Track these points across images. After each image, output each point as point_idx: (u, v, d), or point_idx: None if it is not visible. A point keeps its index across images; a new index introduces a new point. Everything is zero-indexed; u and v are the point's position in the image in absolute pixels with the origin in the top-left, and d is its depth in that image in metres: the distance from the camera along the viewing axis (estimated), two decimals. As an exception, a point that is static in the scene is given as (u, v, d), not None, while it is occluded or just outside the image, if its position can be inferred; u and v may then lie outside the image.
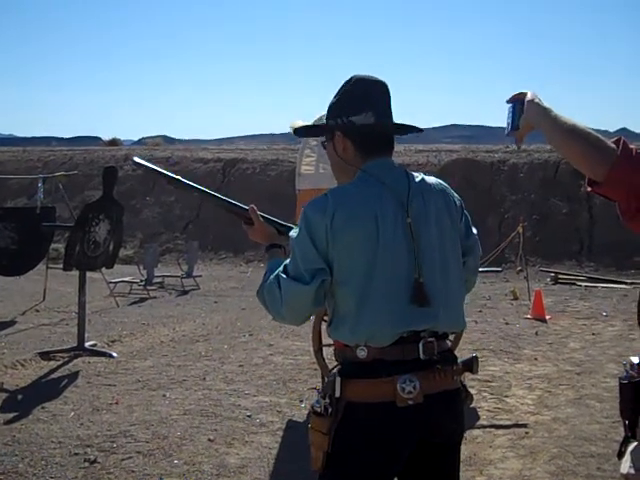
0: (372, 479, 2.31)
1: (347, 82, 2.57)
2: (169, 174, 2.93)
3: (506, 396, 6.20)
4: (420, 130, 2.65)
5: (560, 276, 14.41)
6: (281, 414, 5.81)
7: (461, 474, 4.48)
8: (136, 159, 3.14)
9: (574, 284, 13.80)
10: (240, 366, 7.37)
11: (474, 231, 2.61)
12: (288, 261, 2.38)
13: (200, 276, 14.12)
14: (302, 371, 7.11)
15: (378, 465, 2.28)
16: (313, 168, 6.42)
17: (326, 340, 6.59)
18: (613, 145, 2.04)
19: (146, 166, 3.04)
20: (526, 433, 5.28)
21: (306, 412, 5.89)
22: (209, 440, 5.15)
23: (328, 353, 6.80)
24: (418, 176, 2.50)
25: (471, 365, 2.48)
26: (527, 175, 17.64)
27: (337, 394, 2.29)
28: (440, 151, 20.14)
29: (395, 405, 2.25)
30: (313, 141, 6.47)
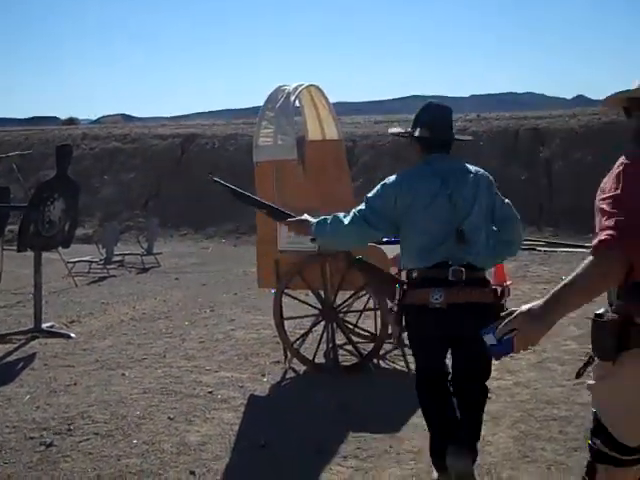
0: (423, 346, 3.90)
1: (423, 106, 4.04)
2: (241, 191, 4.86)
3: (469, 363, 6.19)
4: (469, 139, 4.74)
5: (521, 242, 14.45)
6: (243, 389, 5.73)
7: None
8: (215, 179, 5.00)
9: (534, 249, 13.86)
10: (201, 342, 7.27)
11: (506, 201, 3.97)
12: (363, 206, 3.85)
13: (160, 253, 13.94)
14: (264, 345, 7.03)
15: (422, 338, 3.84)
16: (271, 140, 6.27)
17: (287, 313, 6.55)
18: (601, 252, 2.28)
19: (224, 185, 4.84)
20: (488, 398, 5.26)
21: (268, 386, 5.83)
22: (169, 418, 5.06)
23: (289, 326, 6.75)
24: (460, 164, 3.93)
25: (501, 292, 3.79)
26: (487, 143, 17.66)
27: (402, 299, 3.77)
28: (400, 121, 20.04)
29: (427, 307, 3.63)
30: (271, 112, 6.33)
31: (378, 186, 3.87)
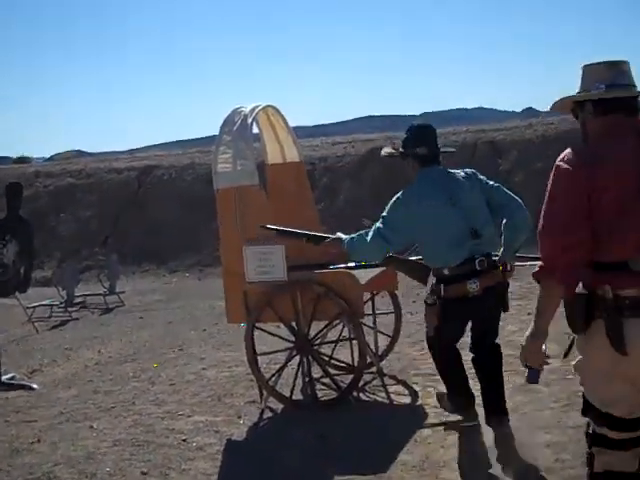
0: (455, 325, 4.67)
1: (410, 126, 4.88)
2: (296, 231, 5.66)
3: (452, 389, 5.95)
4: (452, 151, 5.67)
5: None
6: (219, 434, 5.44)
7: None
8: (261, 225, 5.58)
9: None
10: (171, 385, 6.95)
11: (495, 186, 4.77)
12: (380, 224, 4.64)
13: (124, 292, 13.56)
14: (238, 384, 6.73)
15: (458, 320, 4.65)
16: (230, 165, 6.00)
17: (260, 348, 6.27)
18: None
19: (270, 229, 5.54)
20: (477, 427, 5.03)
21: (245, 429, 5.54)
22: (142, 473, 4.76)
23: (263, 361, 6.48)
24: (452, 172, 4.72)
25: (505, 265, 4.60)
26: (445, 158, 17.59)
27: (442, 294, 4.52)
28: (357, 141, 19.92)
29: (467, 296, 4.47)
30: (228, 136, 6.08)
31: (390, 204, 4.68)
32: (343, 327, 6.45)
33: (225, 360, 7.68)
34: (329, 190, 17.43)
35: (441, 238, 4.52)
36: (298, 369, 5.88)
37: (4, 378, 7.49)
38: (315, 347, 5.99)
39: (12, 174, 21.20)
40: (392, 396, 5.97)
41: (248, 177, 5.91)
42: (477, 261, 4.50)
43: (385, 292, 6.91)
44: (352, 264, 5.89)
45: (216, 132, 6.17)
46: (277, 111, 6.86)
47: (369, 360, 6.12)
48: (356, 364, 5.96)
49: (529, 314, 8.65)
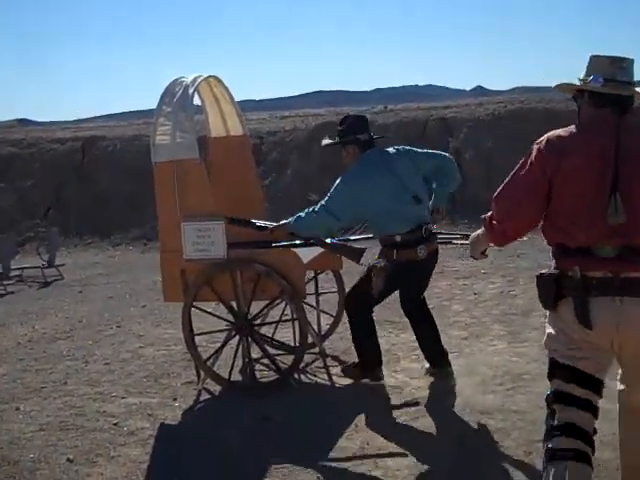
0: (391, 287, 5.24)
1: (346, 117, 5.50)
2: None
3: (395, 371, 5.79)
4: (383, 137, 6.06)
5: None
6: (152, 417, 5.20)
7: (355, 468, 4.11)
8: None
9: (450, 243, 13.61)
10: (106, 364, 6.67)
11: (424, 151, 5.45)
12: (328, 202, 5.14)
13: (63, 265, 13.15)
14: (175, 363, 6.50)
15: (394, 288, 5.28)
16: (169, 137, 5.70)
17: (199, 325, 6.04)
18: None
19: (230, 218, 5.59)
20: (419, 411, 4.91)
21: (180, 412, 5.32)
22: (68, 460, 4.49)
23: (202, 340, 6.26)
24: (388, 150, 5.29)
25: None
26: (396, 134, 17.44)
27: (394, 258, 5.09)
28: (307, 116, 19.66)
29: (417, 260, 5.07)
30: (168, 108, 5.76)
31: (337, 183, 5.17)
32: (285, 306, 6.26)
33: (164, 337, 7.44)
34: (277, 164, 17.18)
35: (389, 206, 5.05)
36: (237, 349, 5.67)
37: None
38: (255, 327, 5.79)
39: (-51, 142, 20.44)
40: (334, 378, 5.81)
41: (188, 150, 5.62)
42: (424, 229, 5.12)
43: (329, 271, 6.72)
44: (296, 242, 5.69)
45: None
46: (220, 82, 6.54)
47: (311, 340, 5.95)
48: (297, 344, 5.77)
49: (475, 294, 8.60)
